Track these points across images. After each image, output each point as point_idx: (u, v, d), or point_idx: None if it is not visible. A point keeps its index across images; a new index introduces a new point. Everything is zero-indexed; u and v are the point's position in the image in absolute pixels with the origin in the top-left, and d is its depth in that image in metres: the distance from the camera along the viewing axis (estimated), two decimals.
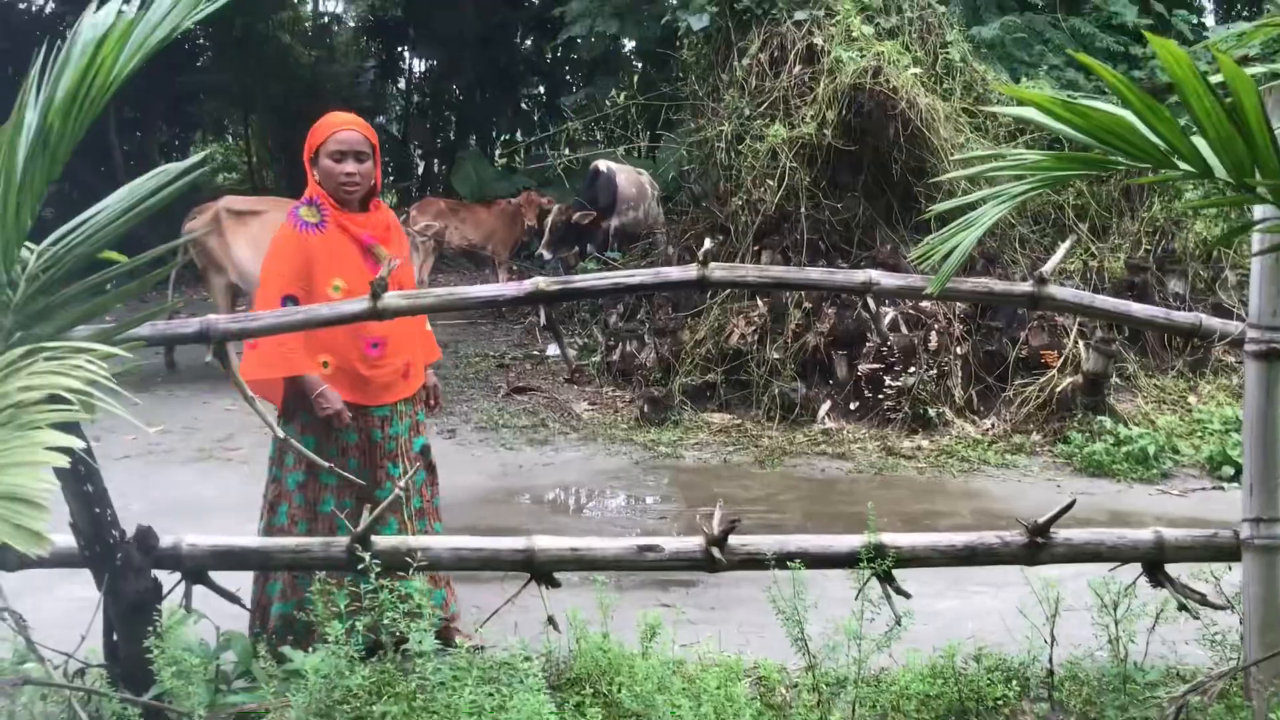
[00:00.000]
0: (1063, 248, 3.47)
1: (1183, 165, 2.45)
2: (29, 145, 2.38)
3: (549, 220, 11.02)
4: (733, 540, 3.22)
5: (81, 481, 2.77)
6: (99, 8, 2.66)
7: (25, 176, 2.37)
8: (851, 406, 7.74)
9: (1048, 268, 3.27)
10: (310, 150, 3.73)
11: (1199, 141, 2.43)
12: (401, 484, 3.18)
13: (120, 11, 2.56)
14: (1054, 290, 3.26)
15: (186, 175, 2.74)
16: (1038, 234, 8.67)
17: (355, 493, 3.55)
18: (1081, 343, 7.53)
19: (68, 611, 3.64)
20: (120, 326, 2.62)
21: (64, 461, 1.71)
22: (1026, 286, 3.27)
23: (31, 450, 1.72)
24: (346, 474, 3.48)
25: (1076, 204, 8.71)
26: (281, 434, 3.11)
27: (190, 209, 9.29)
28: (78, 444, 1.79)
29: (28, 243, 2.58)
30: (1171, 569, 3.37)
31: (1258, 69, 2.69)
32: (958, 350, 7.73)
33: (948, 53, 8.98)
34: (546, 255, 10.94)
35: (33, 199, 2.42)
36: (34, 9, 16.96)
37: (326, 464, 3.35)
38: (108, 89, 2.39)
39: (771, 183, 8.35)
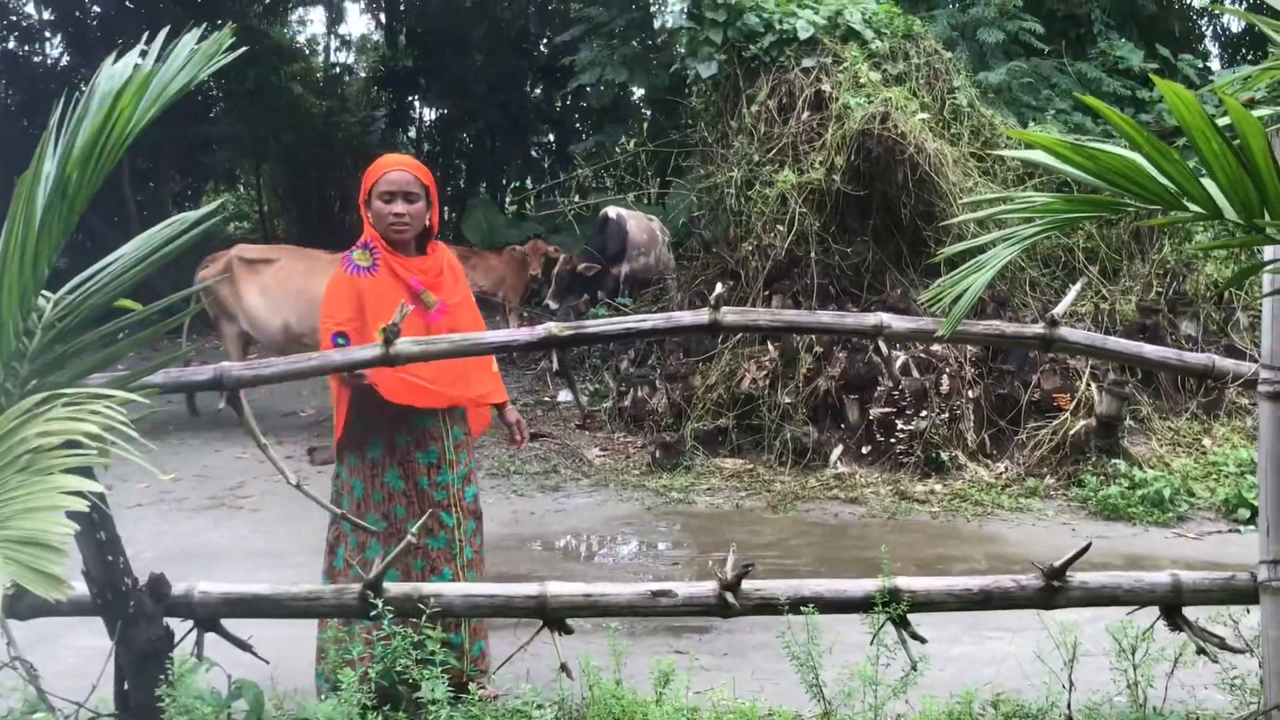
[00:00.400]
0: (1073, 290, 3.47)
1: (1192, 207, 2.46)
2: (47, 195, 2.41)
3: (555, 270, 11.06)
4: (746, 585, 3.20)
5: (95, 529, 2.77)
6: (116, 60, 2.71)
7: (43, 226, 2.40)
8: (864, 450, 7.71)
9: (1059, 310, 3.27)
10: (364, 193, 3.77)
11: (1208, 183, 2.45)
12: (413, 530, 3.15)
13: (137, 64, 2.60)
14: (1065, 332, 3.26)
15: (200, 225, 2.78)
16: (1048, 277, 8.68)
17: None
18: (1094, 385, 7.50)
19: (79, 660, 3.64)
20: (135, 374, 2.64)
21: (82, 505, 1.72)
22: (1038, 329, 3.27)
23: (49, 495, 1.73)
24: (362, 524, 3.46)
25: (1086, 246, 8.72)
26: (294, 481, 3.10)
27: (203, 257, 9.36)
28: (95, 488, 1.80)
29: (44, 291, 2.61)
30: (1189, 612, 3.34)
31: (1264, 111, 2.71)
32: (969, 394, 7.71)
33: (955, 98, 9.03)
34: (553, 305, 10.98)
35: (50, 248, 2.45)
36: (49, 62, 17.21)
37: (339, 511, 3.34)
38: (125, 140, 2.43)
39: (781, 228, 8.38)
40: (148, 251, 2.72)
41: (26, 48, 17.03)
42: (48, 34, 17.27)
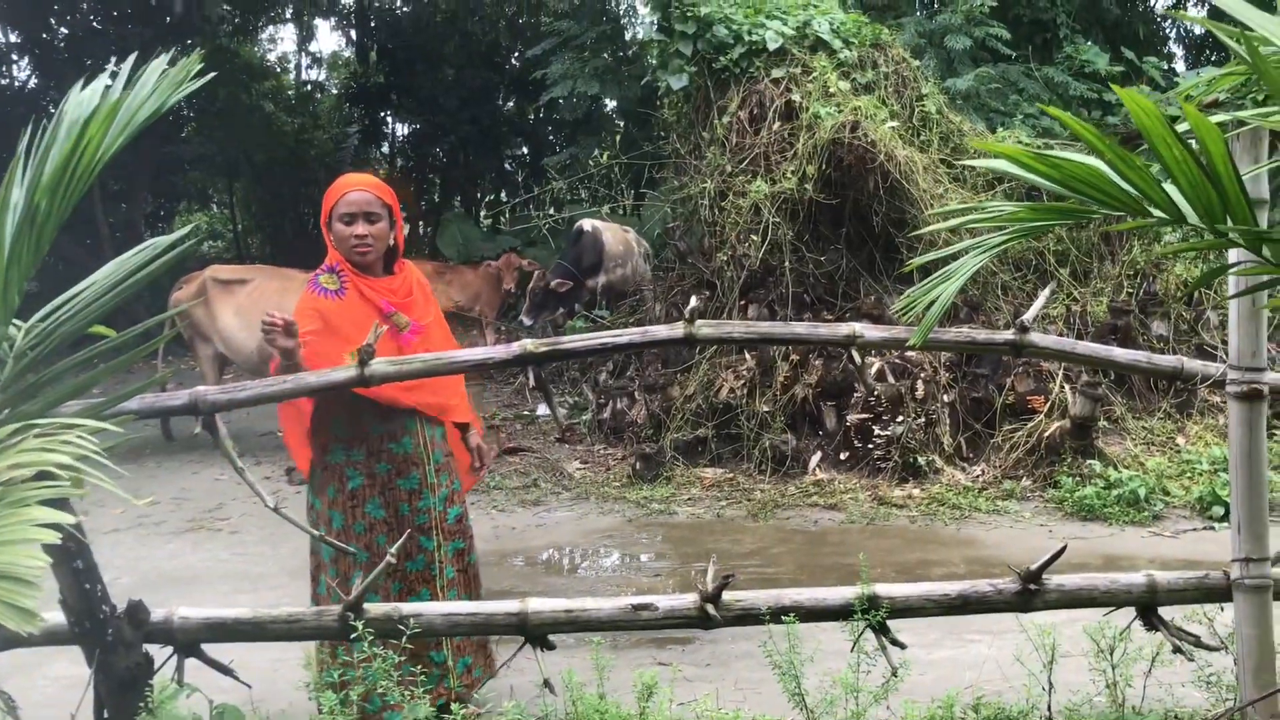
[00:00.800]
0: (1043, 295, 3.51)
1: (1156, 212, 2.50)
2: (16, 224, 2.40)
3: (529, 287, 11.07)
4: (727, 596, 3.21)
5: (71, 558, 2.76)
6: (84, 86, 2.70)
7: (13, 255, 2.39)
8: (842, 457, 7.75)
9: (1028, 316, 3.30)
10: (325, 215, 3.67)
11: (1171, 188, 2.48)
12: (392, 551, 3.14)
13: (107, 87, 2.60)
14: (1036, 338, 3.30)
15: (173, 249, 2.77)
16: (1019, 280, 8.75)
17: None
18: (1068, 387, 7.57)
19: (57, 689, 3.62)
20: (109, 401, 2.63)
21: (55, 538, 1.71)
22: (1009, 335, 3.31)
23: (22, 528, 1.72)
24: (343, 546, 3.42)
25: (1057, 249, 8.80)
26: (272, 504, 3.09)
27: (177, 278, 9.33)
28: (68, 520, 1.79)
29: (15, 320, 2.59)
30: (1166, 612, 3.38)
31: (1221, 116, 2.75)
32: (945, 398, 7.76)
33: (924, 105, 9.11)
34: (528, 321, 11.00)
35: (20, 277, 2.44)
36: (16, 84, 17.11)
37: (317, 533, 3.33)
38: (94, 168, 2.42)
39: (755, 238, 8.42)
40: (120, 278, 2.71)
41: None
42: (14, 56, 17.17)
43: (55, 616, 2.94)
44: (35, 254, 2.47)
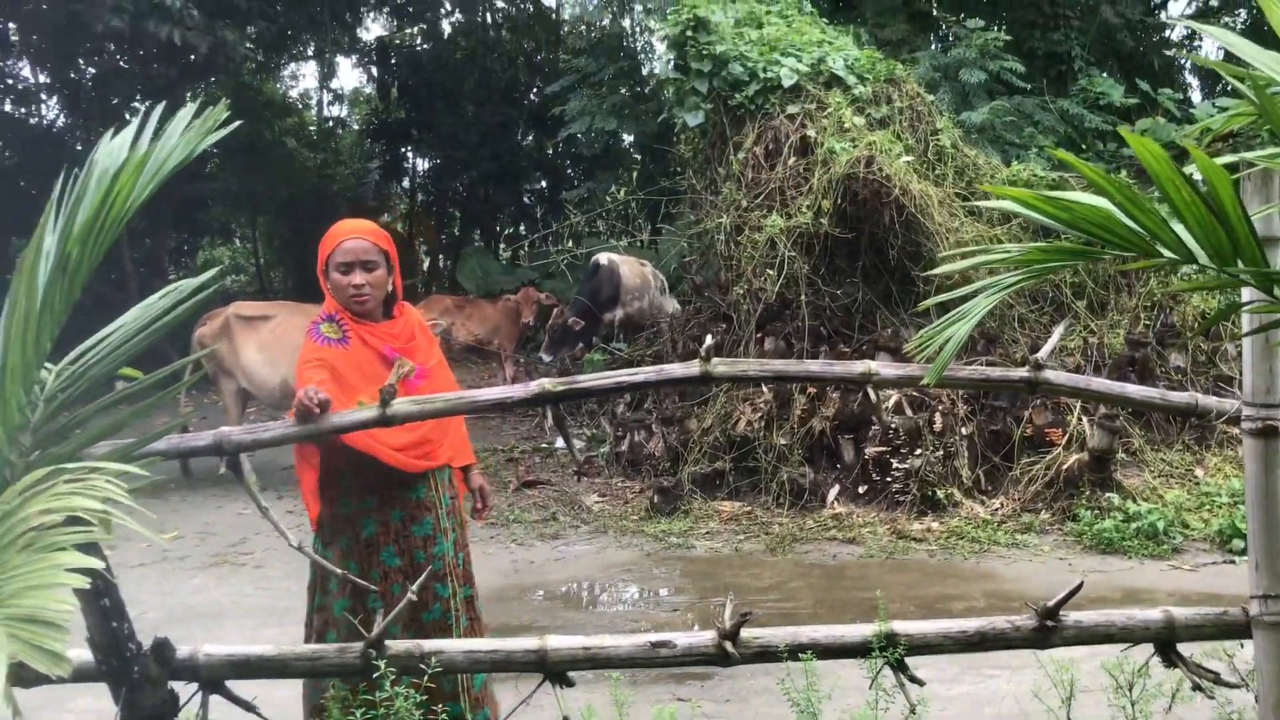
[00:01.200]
0: (1056, 332, 3.53)
1: (1166, 252, 2.53)
2: (49, 272, 2.46)
3: (548, 324, 11.18)
4: (745, 633, 3.22)
5: (98, 596, 2.80)
6: (114, 134, 2.78)
7: (45, 302, 2.45)
8: (860, 490, 7.75)
9: (1043, 353, 3.32)
10: (321, 263, 3.63)
11: (1180, 228, 2.51)
12: (413, 589, 3.17)
13: (136, 136, 2.67)
14: (1050, 375, 3.31)
15: (199, 293, 2.83)
16: (1036, 313, 8.77)
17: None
18: (1085, 419, 7.56)
19: None
20: (137, 443, 2.68)
21: (85, 583, 1.75)
22: (1023, 372, 3.32)
23: (53, 572, 1.76)
24: (364, 582, 3.40)
25: (1073, 282, 8.81)
26: (295, 543, 3.13)
27: (200, 314, 9.44)
28: (98, 564, 1.84)
29: (46, 363, 2.66)
30: (1185, 647, 3.37)
31: (1230, 157, 2.78)
32: (963, 431, 7.76)
33: (938, 139, 9.17)
34: (546, 358, 11.10)
35: (52, 324, 2.50)
36: (45, 123, 17.39)
37: (339, 571, 3.35)
38: (124, 217, 2.49)
39: (771, 271, 8.47)
40: (148, 321, 2.77)
41: (22, 110, 17.22)
42: (43, 96, 17.47)
43: (82, 653, 2.99)
44: (67, 301, 2.53)
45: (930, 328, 2.96)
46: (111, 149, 2.72)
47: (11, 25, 15.78)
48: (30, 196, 15.88)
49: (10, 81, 17.09)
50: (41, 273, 2.47)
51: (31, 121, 17.25)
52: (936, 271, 3.09)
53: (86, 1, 12.61)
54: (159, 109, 2.78)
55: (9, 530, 1.88)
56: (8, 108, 16.98)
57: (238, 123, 2.79)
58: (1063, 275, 8.67)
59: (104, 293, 13.90)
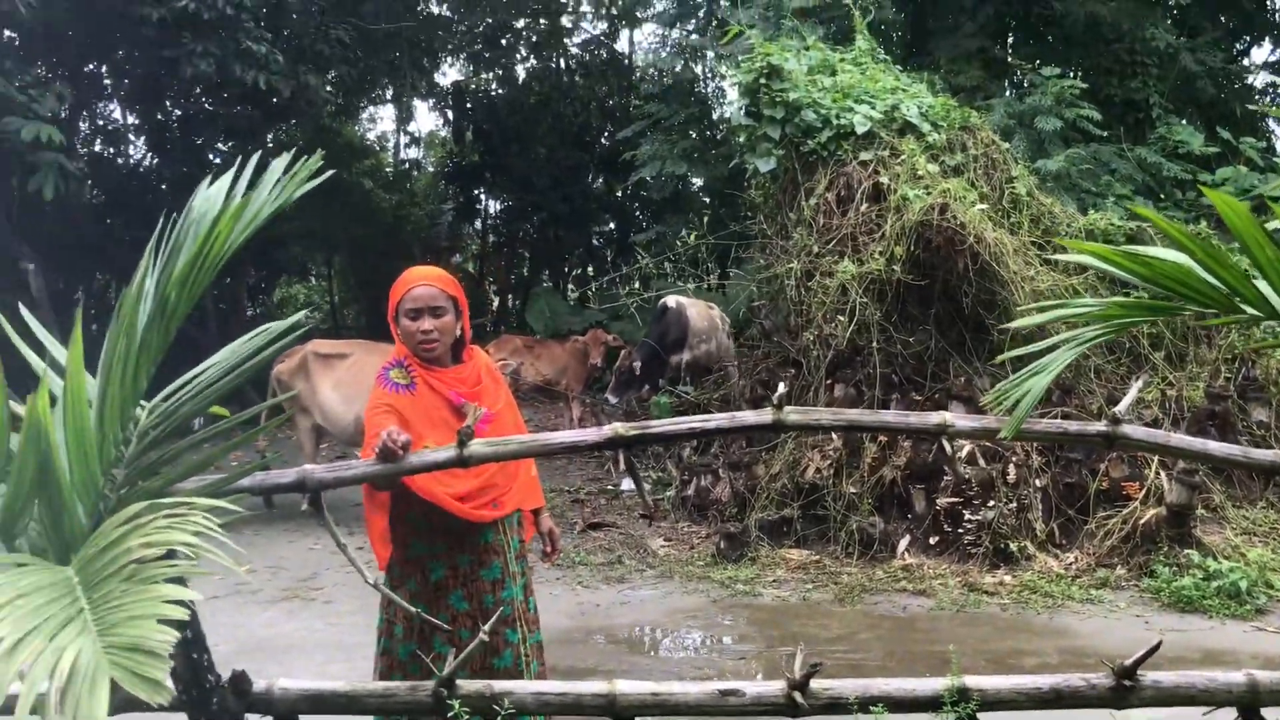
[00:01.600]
0: (1134, 387, 3.49)
1: (1248, 309, 2.51)
2: (148, 314, 2.57)
3: (615, 366, 11.26)
4: (815, 684, 3.21)
5: (182, 628, 2.88)
6: (210, 183, 2.89)
7: (143, 343, 2.55)
8: (931, 541, 7.66)
9: (1121, 407, 3.28)
10: (391, 310, 3.70)
11: (1263, 284, 2.49)
12: (485, 629, 3.21)
13: (230, 189, 2.78)
14: (1128, 430, 3.27)
15: (288, 334, 2.92)
16: (1113, 364, 8.64)
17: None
18: (1164, 473, 7.41)
19: None
20: (226, 479, 2.76)
21: (183, 614, 1.82)
22: (1101, 426, 3.29)
23: (152, 604, 1.83)
24: (436, 621, 3.44)
25: (1152, 333, 8.67)
26: (371, 580, 3.20)
27: (279, 352, 9.65)
28: (194, 596, 1.90)
29: (141, 400, 2.75)
30: (1269, 712, 3.28)
31: None
32: (1037, 482, 7.65)
33: (1013, 187, 9.11)
34: (613, 400, 11.16)
35: (149, 363, 2.59)
36: (132, 163, 17.98)
37: (414, 609, 3.39)
38: (220, 262, 2.58)
39: (842, 318, 8.45)
40: (237, 361, 2.86)
41: (111, 150, 17.83)
42: (131, 136, 18.08)
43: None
44: (163, 341, 2.63)
45: (1008, 381, 2.96)
46: (209, 196, 2.83)
47: (104, 69, 16.38)
48: (116, 234, 16.41)
49: (101, 122, 17.73)
50: (141, 315, 2.58)
51: (119, 161, 17.85)
52: (1015, 325, 3.08)
53: (176, 47, 13.08)
54: (254, 159, 2.89)
55: (112, 561, 1.95)
56: (98, 147, 17.60)
57: (330, 172, 2.89)
58: (1141, 327, 8.54)
59: (184, 328, 14.24)
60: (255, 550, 8.08)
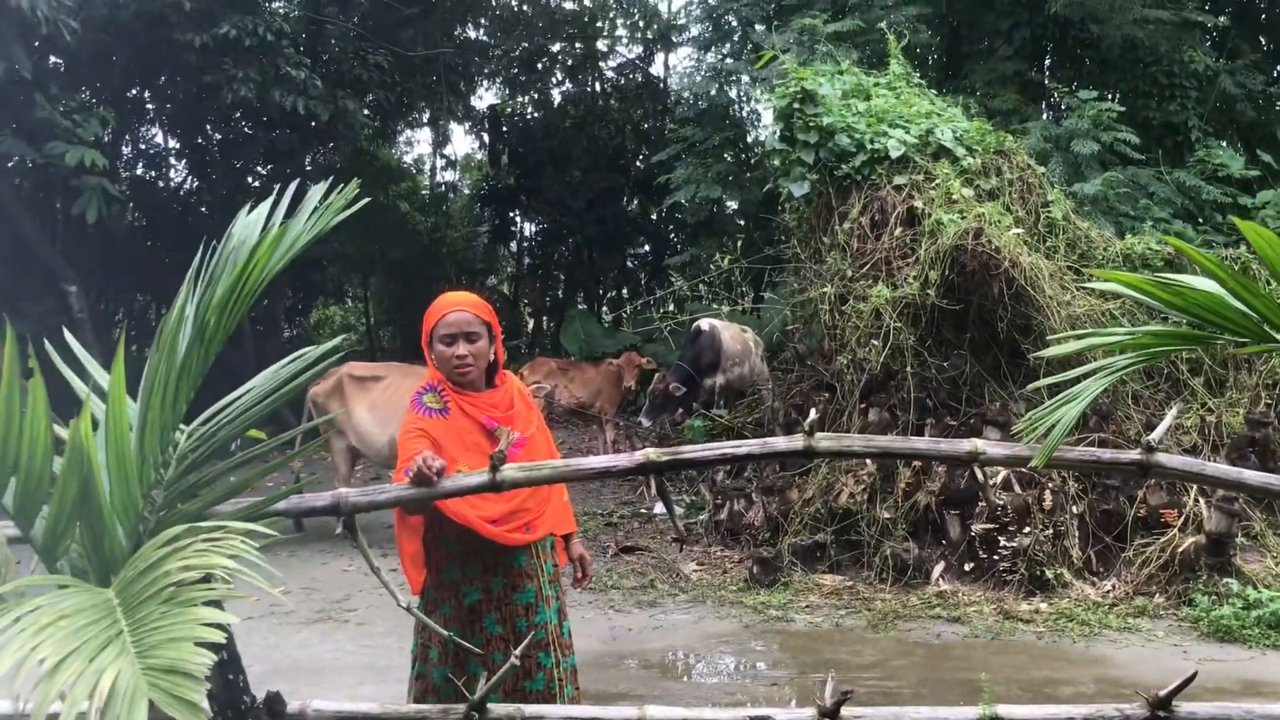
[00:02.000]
0: (1170, 416, 3.46)
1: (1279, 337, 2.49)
2: (188, 338, 2.61)
3: (649, 389, 11.28)
4: (846, 711, 3.20)
5: (218, 649, 2.91)
6: (250, 210, 2.94)
7: (184, 366, 2.60)
8: (966, 567, 7.60)
9: (1155, 435, 3.26)
10: (425, 335, 3.74)
11: None
12: (516, 653, 3.23)
13: (269, 217, 2.82)
14: (1163, 458, 3.25)
15: (326, 359, 2.96)
16: (1151, 389, 8.55)
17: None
18: (1202, 501, 7.32)
19: None
20: (262, 502, 2.80)
21: (220, 638, 1.85)
22: (1135, 455, 3.26)
23: (190, 626, 1.86)
24: (468, 645, 3.46)
25: (1190, 358, 8.58)
26: (404, 603, 3.22)
27: (316, 376, 9.73)
28: (231, 619, 1.94)
29: (180, 424, 2.80)
30: None
31: None
32: (1073, 509, 7.57)
33: (1049, 211, 9.07)
34: (646, 423, 11.18)
35: (189, 387, 2.64)
36: (172, 187, 18.26)
37: (445, 632, 3.41)
38: (259, 288, 2.63)
39: (876, 342, 8.42)
40: (276, 385, 2.90)
41: (152, 173, 18.12)
42: (172, 160, 18.37)
43: None
44: (203, 366, 2.68)
45: (1041, 409, 2.95)
46: (248, 223, 2.89)
47: (146, 94, 16.67)
48: (157, 256, 16.66)
49: (143, 147, 18.03)
50: (182, 339, 2.62)
51: (160, 185, 18.14)
52: (1048, 353, 3.08)
53: (217, 73, 13.30)
54: (293, 186, 2.94)
55: (152, 584, 1.99)
56: (140, 171, 17.89)
57: (366, 200, 2.94)
58: (1180, 353, 8.45)
59: (221, 349, 14.41)
60: (289, 572, 8.14)
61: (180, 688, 1.76)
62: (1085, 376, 2.95)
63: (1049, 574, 7.23)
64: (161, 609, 1.94)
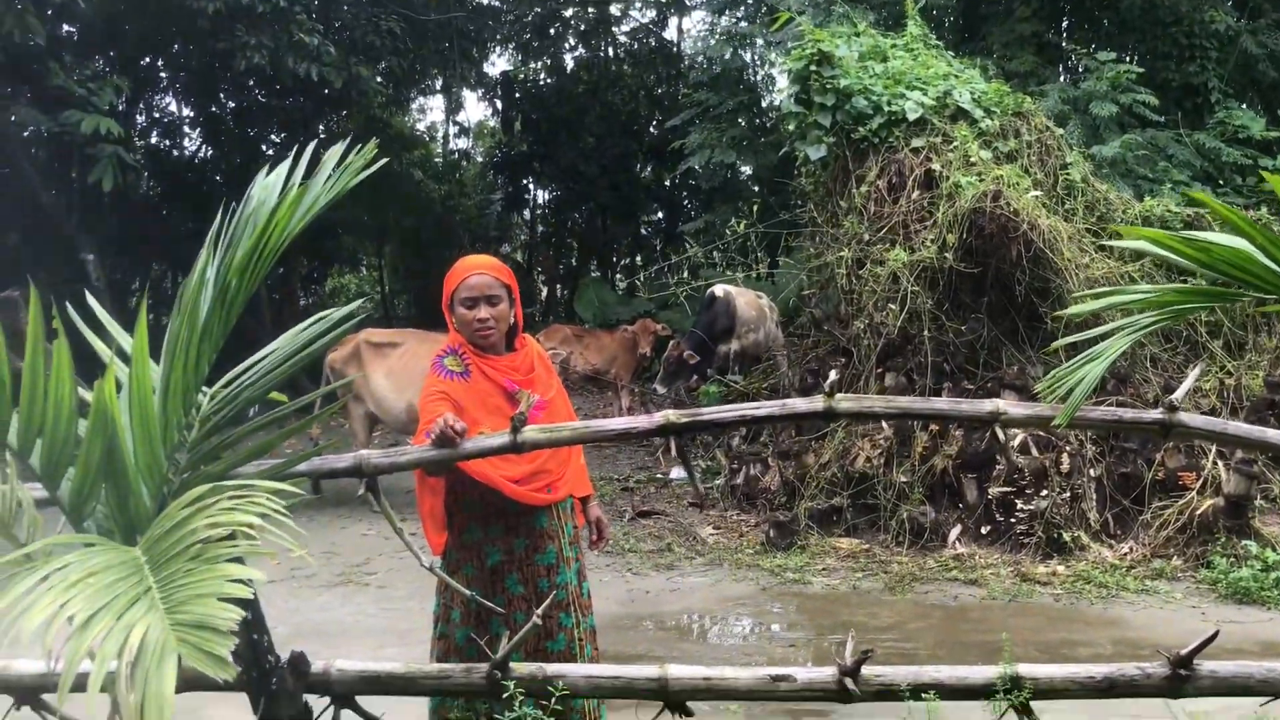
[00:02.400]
0: (1191, 376, 3.44)
1: None
2: (209, 300, 2.62)
3: (664, 356, 11.26)
4: (866, 671, 3.21)
5: (245, 607, 2.94)
6: (268, 173, 2.93)
7: (205, 329, 2.60)
8: (983, 530, 7.60)
9: (1178, 395, 3.24)
10: (446, 298, 3.74)
11: None
12: (538, 613, 3.25)
13: (287, 179, 2.82)
14: (1185, 418, 3.23)
15: (345, 322, 2.96)
16: (1169, 353, 8.51)
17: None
18: (1221, 464, 7.29)
19: None
20: (285, 463, 2.82)
21: (248, 594, 1.86)
22: (1156, 414, 3.25)
23: (218, 583, 1.88)
24: (491, 606, 3.48)
25: (1210, 321, 8.53)
26: (426, 563, 3.24)
27: (335, 340, 9.75)
28: (257, 575, 1.95)
29: (203, 387, 2.81)
30: None
31: None
32: (1091, 472, 7.56)
33: (1068, 174, 8.99)
34: (661, 390, 11.18)
35: (210, 350, 2.65)
36: (187, 155, 18.25)
37: (468, 592, 3.43)
38: (278, 249, 2.63)
39: (893, 306, 8.39)
40: (296, 348, 2.91)
41: (167, 142, 18.12)
42: (186, 129, 18.36)
43: None
44: (224, 328, 2.69)
45: (1062, 368, 2.94)
46: (266, 185, 2.88)
47: (160, 62, 16.64)
48: (173, 224, 16.69)
49: (157, 115, 18.02)
50: (204, 301, 2.63)
51: (175, 153, 18.14)
52: (1068, 312, 3.06)
53: (230, 40, 13.26)
54: (309, 149, 2.93)
55: (178, 541, 2.00)
56: (155, 140, 17.89)
57: (383, 161, 2.93)
58: (1198, 314, 8.39)
59: (239, 318, 14.48)
60: (309, 534, 8.15)
61: (209, 643, 1.77)
62: (1106, 336, 2.93)
63: (1066, 537, 7.23)
64: (188, 566, 1.96)
